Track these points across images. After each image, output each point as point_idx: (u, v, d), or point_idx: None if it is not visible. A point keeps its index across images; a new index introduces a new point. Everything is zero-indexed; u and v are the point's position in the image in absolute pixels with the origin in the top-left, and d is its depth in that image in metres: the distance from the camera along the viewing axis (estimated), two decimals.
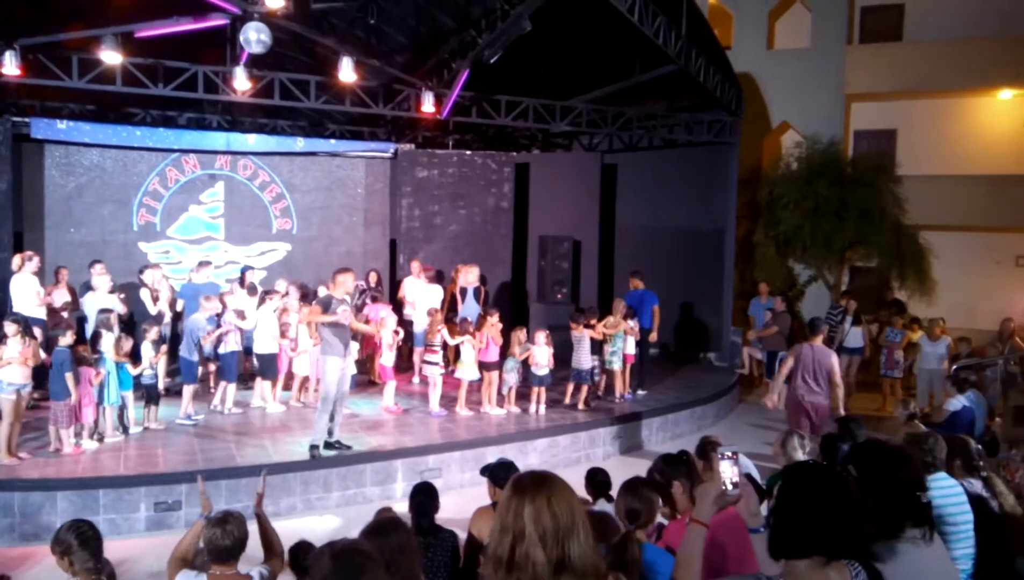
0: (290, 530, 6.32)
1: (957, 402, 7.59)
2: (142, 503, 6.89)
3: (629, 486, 3.62)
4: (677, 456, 4.19)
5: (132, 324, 10.08)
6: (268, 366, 9.54)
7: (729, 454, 2.45)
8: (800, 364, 7.95)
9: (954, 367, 9.95)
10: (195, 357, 8.97)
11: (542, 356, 9.47)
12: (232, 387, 9.34)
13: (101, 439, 7.94)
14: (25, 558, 6.20)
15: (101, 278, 9.81)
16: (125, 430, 8.26)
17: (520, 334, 9.61)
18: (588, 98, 12.67)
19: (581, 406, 9.77)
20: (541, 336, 9.59)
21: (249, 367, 10.10)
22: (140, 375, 8.42)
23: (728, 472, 2.41)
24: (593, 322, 9.95)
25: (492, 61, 9.92)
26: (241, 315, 9.48)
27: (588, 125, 12.80)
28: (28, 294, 9.29)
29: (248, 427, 8.79)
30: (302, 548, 4.37)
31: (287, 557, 4.38)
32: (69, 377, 7.39)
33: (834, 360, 7.94)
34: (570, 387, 9.87)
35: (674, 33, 10.62)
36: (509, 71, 10.93)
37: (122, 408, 8.26)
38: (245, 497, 7.11)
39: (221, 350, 9.28)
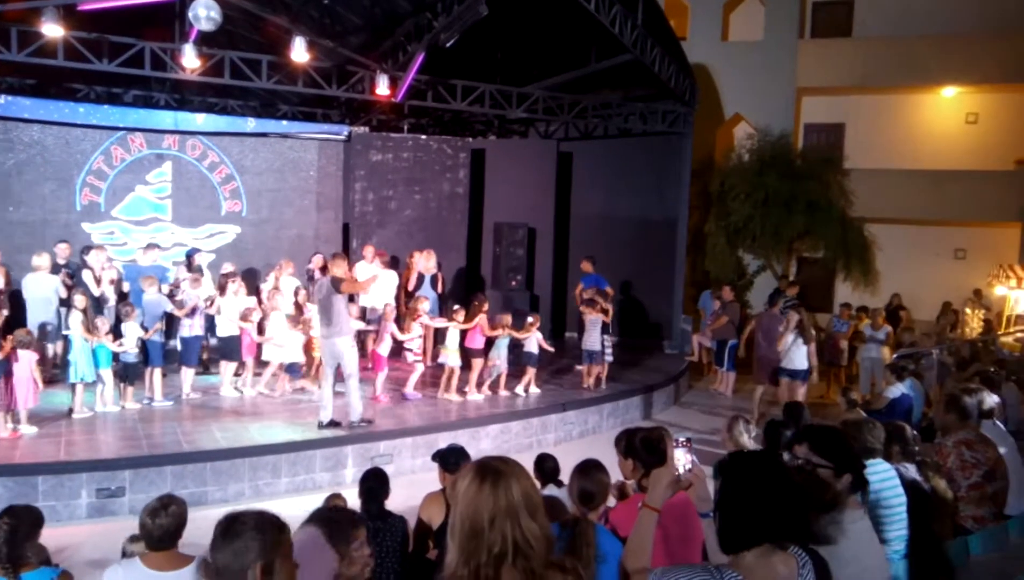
0: None
1: (896, 390, 7.83)
2: (83, 489, 6.73)
3: (582, 469, 3.65)
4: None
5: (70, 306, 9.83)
6: (230, 349, 9.42)
7: (683, 440, 2.48)
8: (760, 328, 10.65)
9: (894, 356, 10.28)
10: (161, 338, 8.98)
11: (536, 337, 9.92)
12: (192, 371, 9.27)
13: (70, 413, 8.12)
14: None
15: (39, 259, 9.50)
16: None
17: (507, 318, 9.79)
18: (544, 85, 12.68)
19: (594, 386, 10.27)
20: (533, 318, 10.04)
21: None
22: (119, 354, 8.55)
23: (682, 459, 2.44)
24: (607, 307, 10.50)
25: (448, 45, 9.86)
26: (209, 302, 9.47)
27: (544, 112, 12.82)
28: None
29: (198, 412, 8.64)
30: None
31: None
32: None
33: (780, 326, 10.06)
34: (585, 369, 10.37)
35: (630, 23, 10.69)
36: (465, 56, 10.87)
37: (95, 385, 8.37)
38: (191, 483, 7.02)
39: (184, 334, 9.19)
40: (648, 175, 13.81)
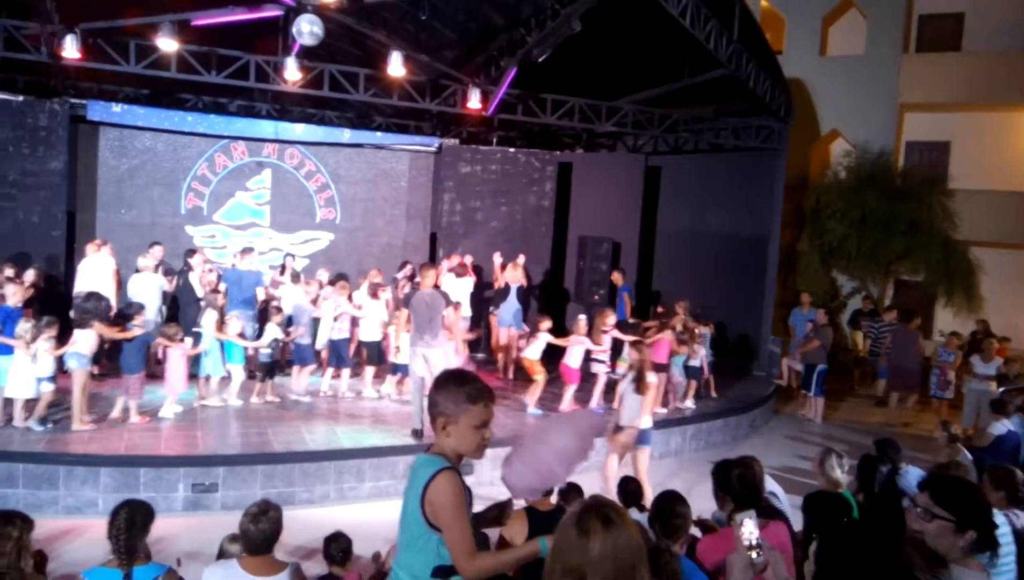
0: (322, 519, 6.43)
1: (1002, 426, 7.39)
2: (180, 483, 7.04)
3: (661, 502, 3.61)
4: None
5: (176, 306, 10.30)
6: (373, 353, 9.88)
7: (747, 519, 2.44)
8: (895, 341, 12.06)
9: (999, 390, 9.72)
10: (308, 340, 9.51)
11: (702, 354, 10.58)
12: (347, 372, 9.81)
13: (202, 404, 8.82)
14: (68, 531, 6.38)
15: (146, 260, 10.00)
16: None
17: (700, 330, 10.45)
18: (635, 99, 12.59)
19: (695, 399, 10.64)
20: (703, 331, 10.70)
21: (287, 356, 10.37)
22: (258, 352, 9.29)
23: (749, 535, 2.36)
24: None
25: (540, 60, 9.92)
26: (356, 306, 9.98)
27: (633, 126, 12.72)
28: (105, 274, 9.74)
29: (293, 414, 8.92)
30: (337, 539, 4.44)
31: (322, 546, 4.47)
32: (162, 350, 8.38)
33: (919, 340, 11.71)
34: (689, 384, 10.67)
35: (725, 37, 10.51)
36: (556, 70, 10.90)
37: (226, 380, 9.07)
38: (280, 483, 7.25)
39: (333, 337, 9.71)
40: (739, 191, 13.48)
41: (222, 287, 10.57)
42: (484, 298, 12.64)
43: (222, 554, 3.94)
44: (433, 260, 13.94)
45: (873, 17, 16.72)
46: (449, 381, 2.63)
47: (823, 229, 15.02)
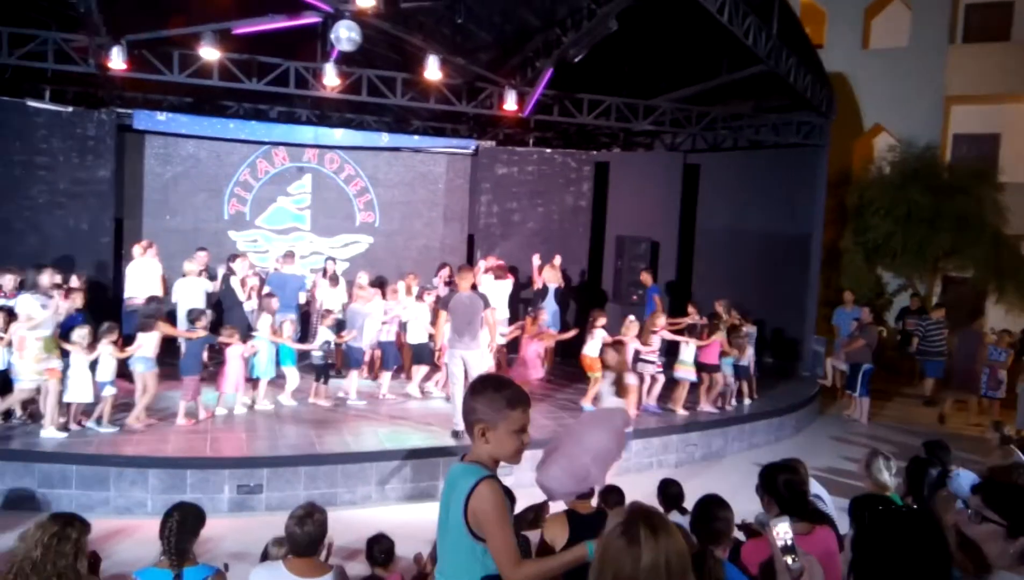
0: (365, 520, 6.49)
1: None
2: (226, 485, 7.17)
3: (702, 508, 3.56)
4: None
5: (220, 309, 10.49)
6: (422, 354, 10.05)
7: (781, 523, 2.53)
8: (958, 344, 11.90)
9: None
10: (359, 343, 9.66)
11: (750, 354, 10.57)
12: (388, 375, 9.96)
13: (252, 406, 8.97)
14: (119, 531, 6.53)
15: (191, 264, 10.21)
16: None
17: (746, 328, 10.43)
18: (672, 97, 12.47)
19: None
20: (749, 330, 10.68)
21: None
22: (309, 354, 9.50)
23: (782, 535, 2.43)
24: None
25: (576, 60, 9.89)
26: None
27: (671, 124, 12.61)
28: (153, 277, 10.00)
29: (338, 416, 9.03)
30: (380, 541, 4.48)
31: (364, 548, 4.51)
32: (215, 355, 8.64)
33: (983, 342, 11.39)
34: (738, 383, 10.64)
35: (764, 33, 10.36)
36: (592, 69, 10.86)
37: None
38: (323, 484, 7.34)
39: (382, 338, 9.92)
40: (780, 188, 13.26)
41: (265, 290, 10.77)
42: (522, 299, 12.65)
43: (266, 556, 4.01)
44: (471, 262, 13.99)
45: (918, 8, 16.36)
46: (487, 387, 2.60)
47: (867, 226, 14.73)
